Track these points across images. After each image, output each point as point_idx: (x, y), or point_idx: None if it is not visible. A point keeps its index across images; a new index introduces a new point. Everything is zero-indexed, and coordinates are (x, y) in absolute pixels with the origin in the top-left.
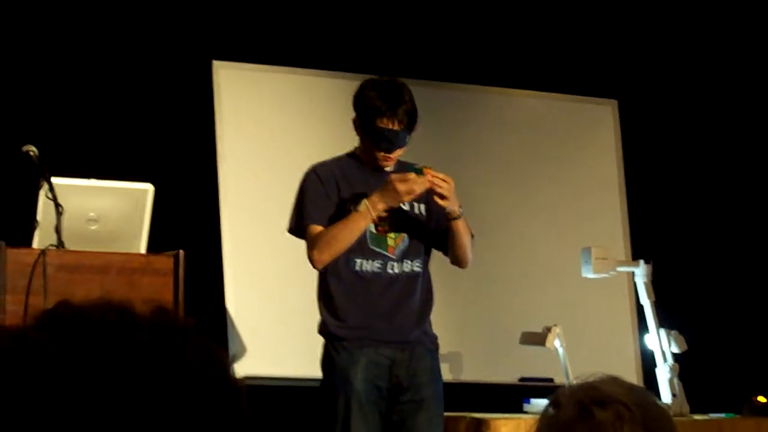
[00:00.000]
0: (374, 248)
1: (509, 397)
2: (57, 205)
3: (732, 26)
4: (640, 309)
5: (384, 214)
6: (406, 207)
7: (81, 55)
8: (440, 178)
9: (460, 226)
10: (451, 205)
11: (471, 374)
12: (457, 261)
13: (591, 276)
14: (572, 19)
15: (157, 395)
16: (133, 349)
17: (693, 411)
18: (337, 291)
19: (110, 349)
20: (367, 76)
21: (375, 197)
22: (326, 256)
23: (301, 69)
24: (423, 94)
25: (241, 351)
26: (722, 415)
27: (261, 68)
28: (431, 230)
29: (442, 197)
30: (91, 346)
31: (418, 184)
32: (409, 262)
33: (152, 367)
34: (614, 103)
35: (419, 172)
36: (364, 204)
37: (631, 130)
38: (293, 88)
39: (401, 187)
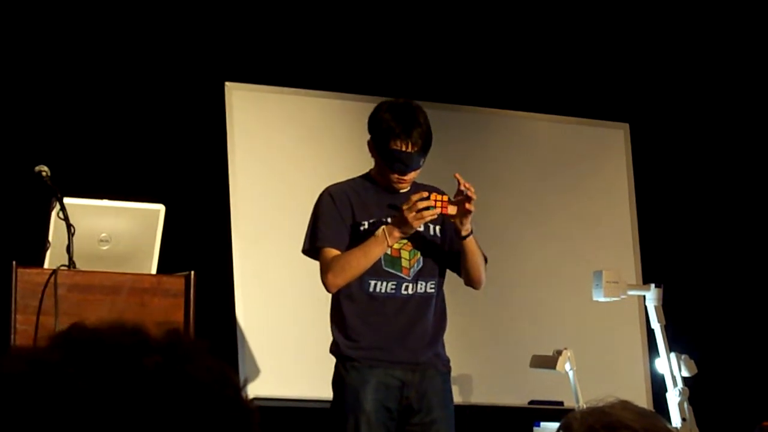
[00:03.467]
0: (389, 269)
1: (519, 420)
2: (68, 225)
3: (744, 50)
4: (650, 333)
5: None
6: (421, 229)
7: (94, 76)
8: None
9: (472, 244)
10: (466, 221)
11: (481, 397)
12: (471, 281)
13: (602, 299)
14: (584, 42)
15: (172, 418)
16: (147, 373)
17: None
18: (349, 312)
19: (124, 372)
20: (380, 99)
21: (391, 225)
22: (340, 281)
23: (313, 91)
24: (434, 116)
25: (252, 372)
26: None
27: (273, 90)
28: (445, 251)
29: (468, 201)
30: (105, 369)
31: (428, 213)
32: (424, 283)
33: (166, 390)
34: (626, 126)
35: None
36: (381, 231)
37: (643, 153)
38: (305, 110)
39: (410, 214)
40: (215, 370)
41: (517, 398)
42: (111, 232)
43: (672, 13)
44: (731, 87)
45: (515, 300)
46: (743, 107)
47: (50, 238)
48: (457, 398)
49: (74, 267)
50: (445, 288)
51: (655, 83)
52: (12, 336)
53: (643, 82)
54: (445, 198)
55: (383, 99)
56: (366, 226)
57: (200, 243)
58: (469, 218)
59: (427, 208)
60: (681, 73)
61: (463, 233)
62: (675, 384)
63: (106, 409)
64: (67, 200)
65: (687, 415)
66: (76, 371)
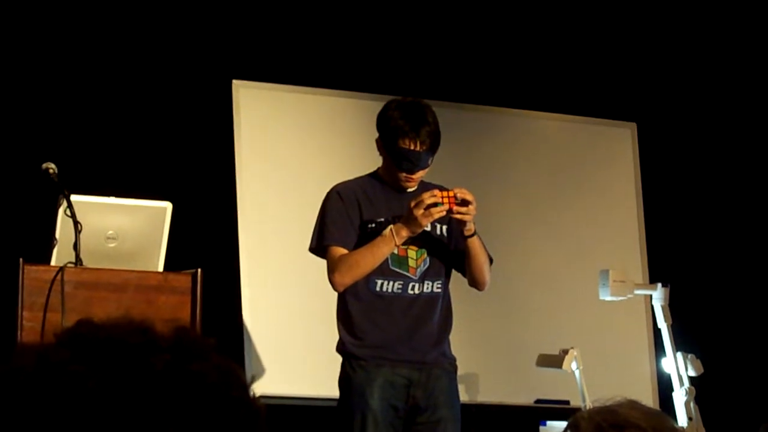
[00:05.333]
0: (395, 269)
1: (525, 419)
2: (75, 223)
3: (751, 50)
4: (657, 332)
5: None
6: (428, 228)
7: (101, 74)
8: (464, 211)
9: (476, 244)
10: (469, 221)
11: (487, 396)
12: (475, 282)
13: (608, 299)
14: (592, 42)
15: (179, 417)
16: (155, 372)
17: None
18: (355, 310)
19: (133, 370)
20: (387, 97)
21: (399, 224)
22: (348, 279)
23: (320, 89)
24: (441, 114)
25: (259, 370)
26: None
27: (280, 88)
28: (451, 251)
29: (462, 218)
30: (113, 367)
31: (436, 209)
32: (430, 282)
33: (174, 389)
34: (633, 125)
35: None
36: (389, 230)
37: (650, 152)
38: (313, 108)
39: (418, 212)
40: (223, 369)
41: (524, 397)
42: (118, 229)
43: (679, 12)
44: (738, 87)
45: (521, 299)
46: (750, 107)
47: (57, 236)
48: (464, 397)
49: (81, 264)
50: (452, 287)
51: (662, 82)
52: (19, 333)
53: (650, 82)
54: (452, 194)
55: (391, 97)
56: (374, 225)
57: (207, 241)
58: (471, 219)
59: (434, 205)
60: (688, 73)
61: (466, 233)
62: (681, 383)
63: (113, 408)
64: (74, 197)
65: (693, 415)
66: (83, 369)
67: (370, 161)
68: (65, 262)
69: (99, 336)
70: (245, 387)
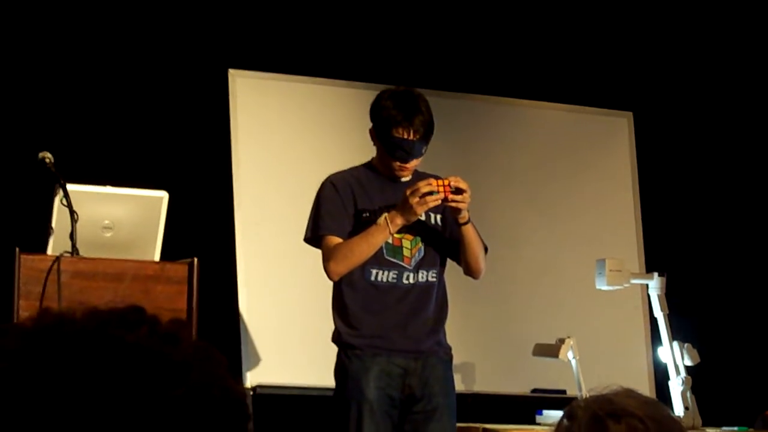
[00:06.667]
0: (390, 258)
1: (522, 409)
2: (72, 212)
3: (748, 39)
4: (653, 321)
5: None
6: (422, 217)
7: (97, 63)
8: (458, 200)
9: (470, 232)
10: (463, 209)
11: (484, 385)
12: (470, 270)
13: (605, 288)
14: (588, 31)
15: (153, 402)
16: (124, 352)
17: (705, 424)
18: (351, 300)
19: (98, 357)
20: (383, 86)
21: (393, 212)
22: (342, 268)
23: (317, 78)
24: (438, 104)
25: (255, 359)
26: (735, 428)
27: (277, 77)
28: (446, 240)
29: (457, 208)
30: (78, 355)
31: (431, 198)
32: (425, 272)
33: (145, 373)
34: (629, 115)
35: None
36: (383, 218)
37: (647, 142)
38: (309, 98)
39: (414, 200)
40: (199, 352)
41: (520, 386)
42: (114, 219)
43: (676, 2)
44: (735, 76)
45: (518, 288)
46: (747, 96)
47: (53, 225)
48: (459, 386)
49: (77, 254)
50: (448, 276)
51: (659, 72)
52: (15, 322)
53: (647, 71)
54: (447, 182)
55: (387, 87)
56: (368, 215)
57: (203, 230)
58: (465, 207)
59: (430, 193)
60: (685, 62)
61: (460, 221)
62: (678, 373)
63: (81, 396)
64: (70, 187)
65: (689, 404)
66: (48, 361)
67: (367, 150)
68: (61, 251)
69: (66, 327)
70: (222, 370)
